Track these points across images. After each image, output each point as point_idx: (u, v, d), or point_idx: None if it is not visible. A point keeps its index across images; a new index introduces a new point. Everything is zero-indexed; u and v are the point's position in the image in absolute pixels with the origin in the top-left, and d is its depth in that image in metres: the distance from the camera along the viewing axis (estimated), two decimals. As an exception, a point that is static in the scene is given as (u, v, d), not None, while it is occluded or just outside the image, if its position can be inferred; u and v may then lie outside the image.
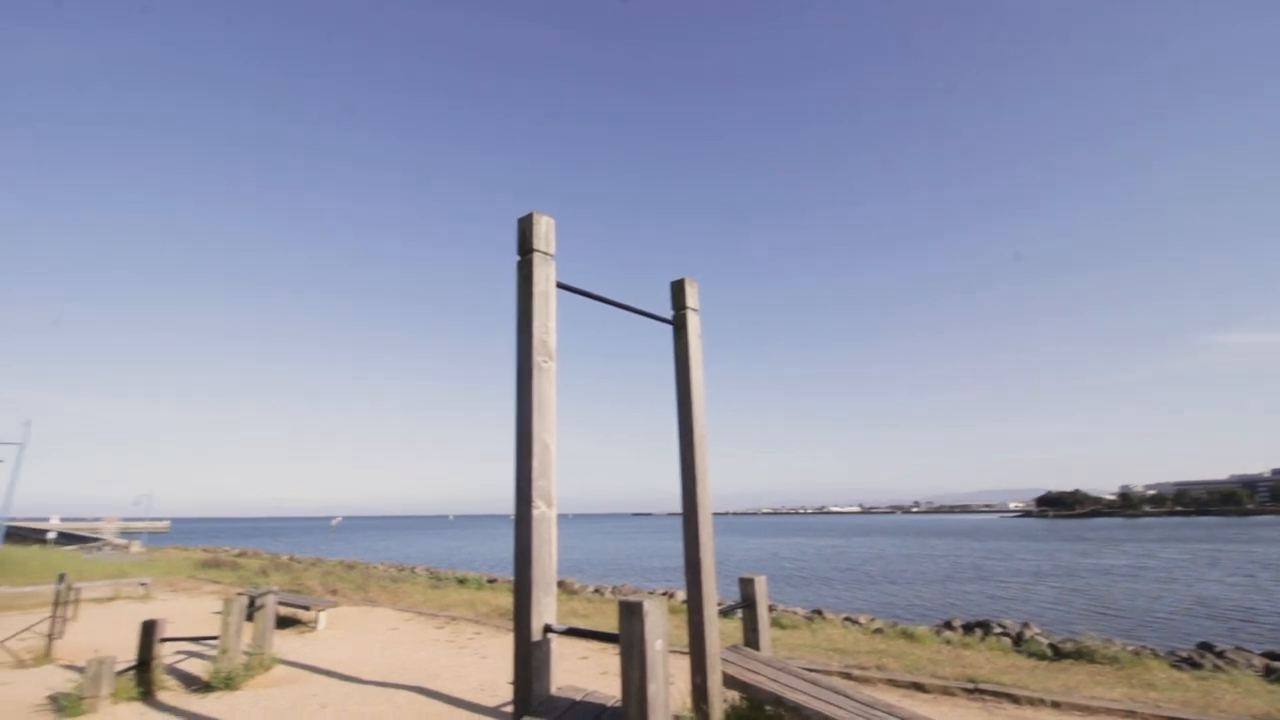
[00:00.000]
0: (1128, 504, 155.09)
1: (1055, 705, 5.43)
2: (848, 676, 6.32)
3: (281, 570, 19.95)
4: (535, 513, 3.38)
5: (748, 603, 5.27)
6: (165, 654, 7.12)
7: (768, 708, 4.60)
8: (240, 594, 6.77)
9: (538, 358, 3.56)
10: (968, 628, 12.70)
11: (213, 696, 6.06)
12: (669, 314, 4.93)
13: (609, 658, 7.56)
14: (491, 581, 19.69)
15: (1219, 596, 20.50)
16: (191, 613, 11.16)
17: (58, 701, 5.67)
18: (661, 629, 2.91)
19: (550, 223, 3.82)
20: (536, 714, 3.09)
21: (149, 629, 6.23)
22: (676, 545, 55.63)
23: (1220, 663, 9.08)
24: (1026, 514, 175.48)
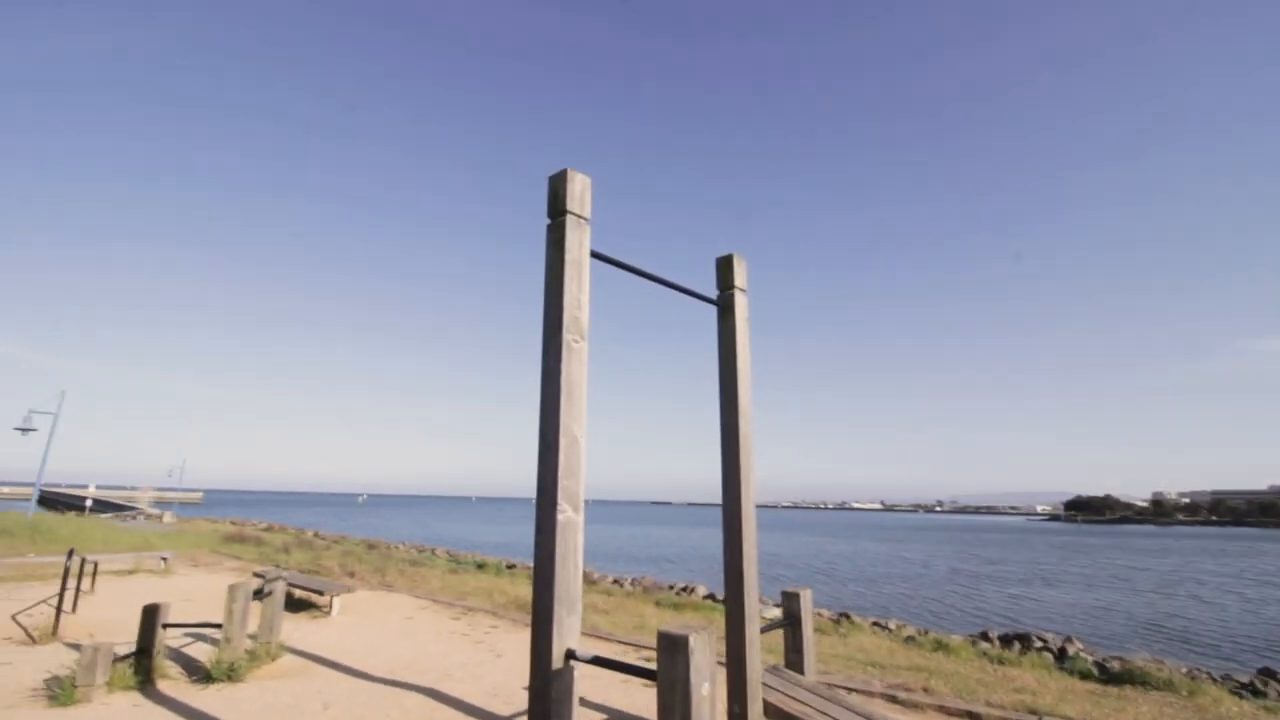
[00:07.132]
0: (1160, 511, 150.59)
1: (1135, 748, 4.81)
2: (893, 700, 5.77)
3: (304, 548, 19.94)
4: (560, 518, 2.87)
5: (791, 619, 4.72)
6: (172, 636, 6.86)
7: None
8: (237, 583, 6.42)
9: (568, 335, 3.04)
10: (1005, 640, 11.91)
11: (213, 689, 5.73)
12: (713, 293, 4.37)
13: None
14: (510, 567, 19.39)
15: (1244, 616, 19.42)
16: (210, 590, 11.01)
17: (52, 687, 5.38)
18: (708, 668, 2.40)
19: (586, 181, 3.29)
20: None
21: (150, 614, 5.92)
22: (696, 536, 55.36)
23: (1291, 694, 8.34)
24: (1054, 517, 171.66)
